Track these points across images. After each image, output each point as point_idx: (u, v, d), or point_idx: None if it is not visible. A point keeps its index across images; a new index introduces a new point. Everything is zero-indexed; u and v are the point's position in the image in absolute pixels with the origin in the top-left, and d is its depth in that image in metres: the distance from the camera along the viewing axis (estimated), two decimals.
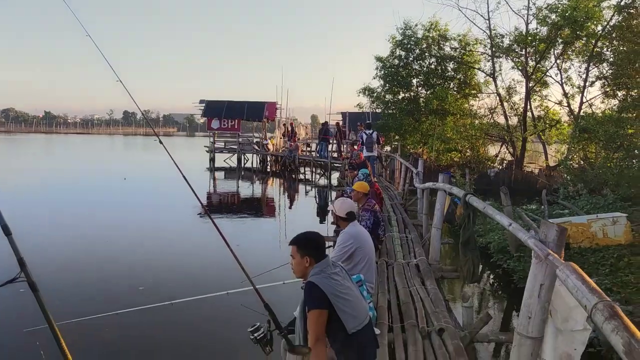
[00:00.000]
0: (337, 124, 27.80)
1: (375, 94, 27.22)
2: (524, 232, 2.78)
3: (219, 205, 18.04)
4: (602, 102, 20.93)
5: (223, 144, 35.08)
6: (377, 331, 3.97)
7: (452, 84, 26.23)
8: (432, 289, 4.94)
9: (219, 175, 29.44)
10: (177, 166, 3.36)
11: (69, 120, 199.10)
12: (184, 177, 3.30)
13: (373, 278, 4.60)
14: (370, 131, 15.23)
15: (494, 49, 23.19)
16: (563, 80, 22.22)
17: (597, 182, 13.96)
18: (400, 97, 26.86)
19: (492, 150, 26.00)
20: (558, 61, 22.03)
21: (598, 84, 20.92)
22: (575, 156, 14.40)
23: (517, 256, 8.04)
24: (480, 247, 10.15)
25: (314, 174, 28.06)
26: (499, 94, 23.25)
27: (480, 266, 4.25)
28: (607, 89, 20.67)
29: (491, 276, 8.88)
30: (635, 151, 11.42)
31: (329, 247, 8.10)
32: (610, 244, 8.03)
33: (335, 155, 26.42)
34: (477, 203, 3.94)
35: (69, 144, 66.04)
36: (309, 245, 3.12)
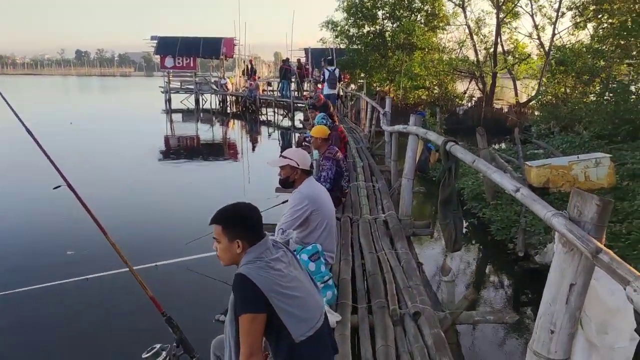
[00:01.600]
0: (298, 60, 26.27)
1: (338, 27, 25.70)
2: (544, 205, 1.92)
3: (177, 150, 16.95)
4: (572, 35, 20.21)
5: (179, 83, 33.05)
6: (336, 318, 3.16)
7: (419, 16, 24.91)
8: (404, 254, 4.15)
9: (176, 117, 27.87)
10: (19, 118, 2.35)
11: (17, 61, 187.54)
12: (28, 131, 2.30)
13: (334, 245, 3.76)
14: (333, 67, 14.31)
15: None
16: (534, 11, 21.28)
17: (570, 119, 13.39)
18: (365, 31, 25.43)
19: (460, 86, 25.23)
20: None
21: (569, 14, 20.08)
22: (549, 91, 13.69)
23: (494, 204, 7.36)
24: None
25: (276, 114, 26.80)
26: (468, 26, 22.20)
27: (464, 230, 3.46)
28: (578, 20, 19.87)
29: (465, 226, 8.24)
30: (613, 85, 10.73)
31: (283, 202, 7.21)
32: (593, 188, 7.41)
33: (296, 94, 25.14)
34: (463, 154, 3.06)
35: (17, 86, 61.82)
36: (239, 224, 2.20)
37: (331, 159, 5.87)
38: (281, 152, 13.71)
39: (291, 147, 17.29)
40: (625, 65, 11.07)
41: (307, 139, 8.85)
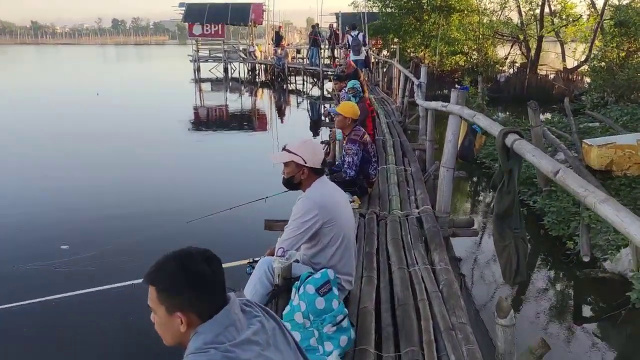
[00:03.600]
0: (330, 26, 25.00)
1: None
2: None
3: (207, 120, 16.75)
4: None
5: (207, 52, 32.35)
6: None
7: None
8: (443, 271, 3.28)
9: (205, 87, 27.32)
10: None
11: (57, 30, 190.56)
12: None
13: (352, 266, 2.92)
14: (356, 32, 13.39)
15: None
16: None
17: (628, 87, 11.99)
18: None
19: (501, 52, 23.55)
20: None
21: None
22: (606, 55, 12.24)
23: (547, 191, 6.34)
24: (491, 173, 8.41)
25: (305, 83, 25.81)
26: None
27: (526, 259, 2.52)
28: None
29: None
30: None
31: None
32: None
33: (327, 62, 24.03)
34: (537, 157, 2.12)
35: (52, 55, 62.30)
36: (183, 287, 1.38)
37: (357, 142, 4.98)
38: (310, 123, 12.81)
39: (320, 119, 16.50)
40: None
41: (331, 114, 7.96)
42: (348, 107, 5.14)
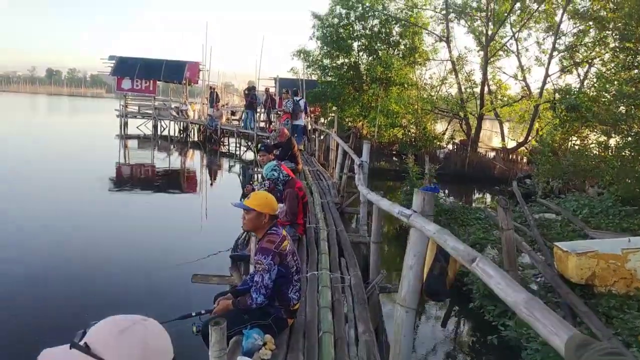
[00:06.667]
0: (267, 89, 24.04)
1: (311, 57, 23.71)
2: None
3: (129, 179, 15.12)
4: (559, 77, 18.70)
5: (137, 108, 30.46)
6: None
7: (397, 50, 23.11)
8: None
9: (132, 144, 25.35)
10: None
11: None
12: None
13: None
14: (299, 98, 12.44)
15: (448, 9, 20.17)
16: (519, 52, 19.72)
17: (574, 173, 11.34)
18: (339, 62, 23.52)
19: (439, 126, 23.34)
20: (514, 29, 19.44)
21: (556, 58, 18.54)
22: (556, 139, 11.63)
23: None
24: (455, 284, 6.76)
25: (239, 146, 24.40)
26: (452, 62, 20.35)
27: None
28: (565, 63, 18.36)
29: (474, 343, 5.68)
30: None
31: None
32: None
33: (262, 125, 22.84)
34: None
35: None
36: None
37: (271, 251, 3.35)
38: (243, 189, 11.19)
39: (252, 186, 14.89)
40: None
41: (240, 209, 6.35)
42: (262, 199, 3.53)
